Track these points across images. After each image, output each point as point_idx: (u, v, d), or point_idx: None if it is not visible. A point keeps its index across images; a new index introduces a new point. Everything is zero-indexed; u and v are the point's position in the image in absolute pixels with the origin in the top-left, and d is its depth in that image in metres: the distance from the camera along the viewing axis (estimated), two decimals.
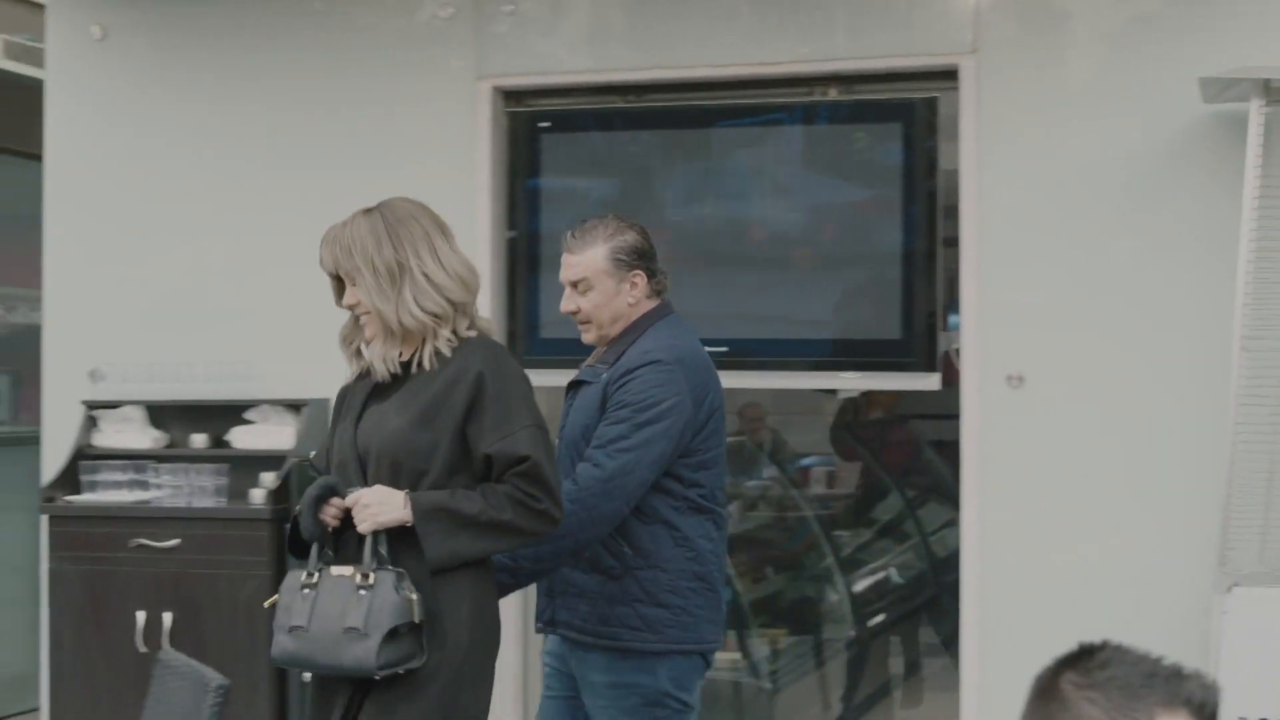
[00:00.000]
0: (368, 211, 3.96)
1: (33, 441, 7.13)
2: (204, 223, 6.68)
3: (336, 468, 3.94)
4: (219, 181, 6.70)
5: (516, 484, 3.79)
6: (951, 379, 6.05)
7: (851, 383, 6.56)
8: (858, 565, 7.45)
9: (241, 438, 6.41)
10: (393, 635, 3.71)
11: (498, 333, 4.17)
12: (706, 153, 6.27)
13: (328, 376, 6.39)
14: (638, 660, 4.35)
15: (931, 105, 5.94)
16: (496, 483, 3.81)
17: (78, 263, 6.87)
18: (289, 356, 6.49)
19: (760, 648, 6.85)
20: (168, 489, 6.27)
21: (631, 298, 4.48)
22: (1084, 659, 1.88)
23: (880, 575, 7.57)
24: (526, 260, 6.28)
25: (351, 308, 3.94)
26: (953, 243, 5.94)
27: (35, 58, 8.12)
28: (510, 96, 6.43)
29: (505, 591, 4.28)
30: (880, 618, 7.38)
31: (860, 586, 7.37)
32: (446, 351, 3.87)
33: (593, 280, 4.46)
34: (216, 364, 6.49)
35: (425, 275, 3.87)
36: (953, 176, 5.92)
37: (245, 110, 6.67)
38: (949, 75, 5.94)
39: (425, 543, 3.75)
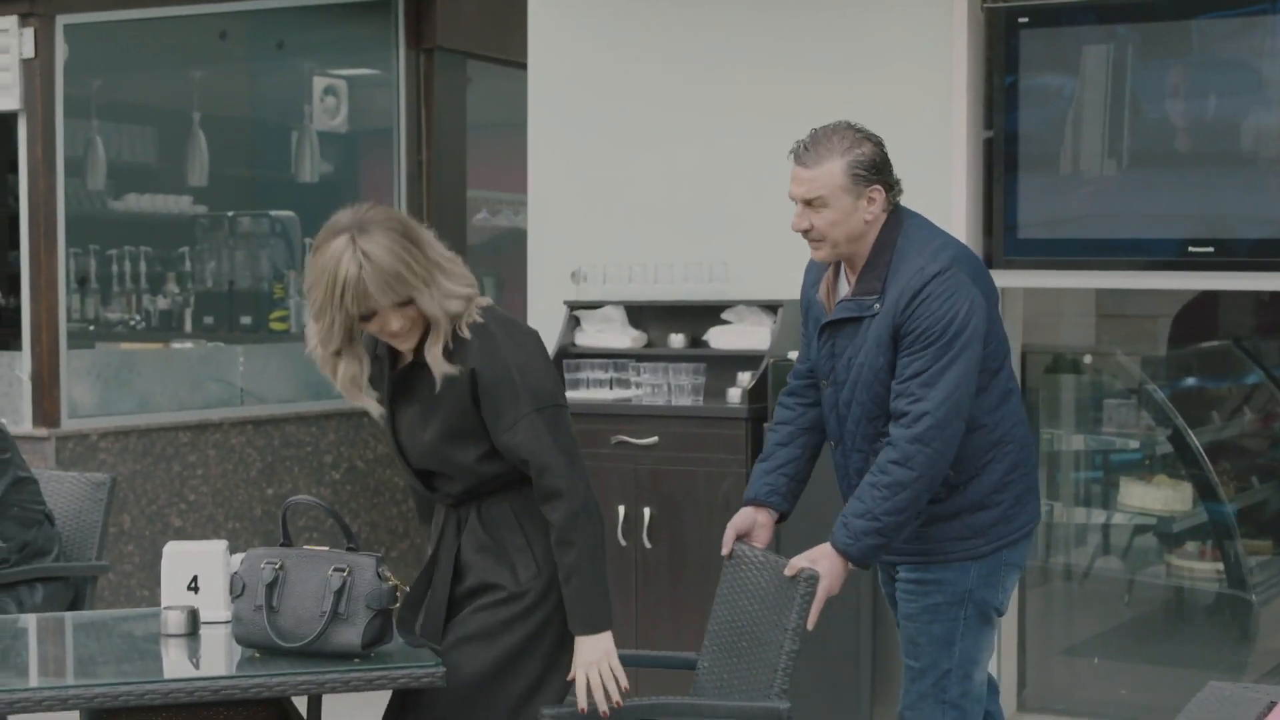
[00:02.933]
0: (354, 240, 3.70)
1: None
2: (680, 127, 6.79)
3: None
4: (694, 86, 6.78)
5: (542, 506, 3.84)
6: None
7: None
8: None
9: (719, 338, 6.52)
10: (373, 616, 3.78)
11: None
12: (1188, 47, 6.04)
13: (801, 279, 6.48)
14: (958, 563, 4.31)
15: None
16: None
17: (560, 168, 7.07)
18: (765, 258, 6.55)
19: (1245, 559, 6.64)
20: (647, 387, 6.43)
21: (869, 214, 4.27)
22: None
23: None
24: (1003, 160, 6.17)
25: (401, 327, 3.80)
26: None
27: None
28: None
29: (876, 556, 4.25)
30: None
31: None
32: (459, 334, 3.82)
33: (829, 197, 4.23)
34: (694, 265, 6.60)
35: (440, 263, 3.79)
36: None
37: (718, 15, 6.73)
38: None
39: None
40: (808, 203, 4.26)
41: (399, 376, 3.94)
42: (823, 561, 4.14)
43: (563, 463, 3.80)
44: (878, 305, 4.24)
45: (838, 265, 4.40)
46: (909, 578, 4.35)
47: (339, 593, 3.76)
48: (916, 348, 4.17)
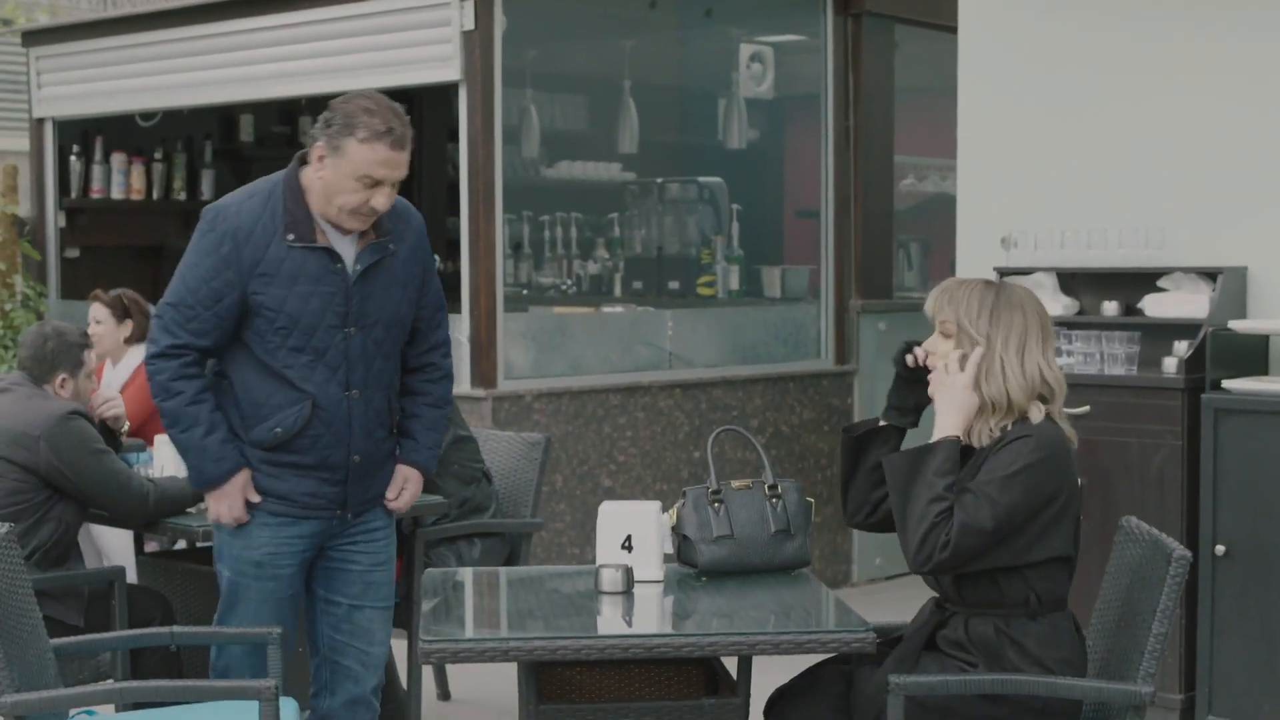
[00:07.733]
0: (989, 284, 4.12)
1: None
2: (1115, 88, 6.60)
3: None
4: (1128, 45, 6.58)
5: None
6: None
7: None
8: None
9: (1154, 305, 6.32)
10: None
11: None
12: None
13: (1243, 245, 6.26)
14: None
15: None
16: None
17: (990, 132, 6.96)
18: (1204, 223, 6.33)
19: None
20: (1079, 356, 6.28)
21: None
22: None
23: None
24: None
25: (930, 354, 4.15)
26: None
27: None
28: None
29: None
30: None
31: None
32: (996, 433, 4.04)
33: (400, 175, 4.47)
34: (1129, 231, 6.41)
35: (1001, 361, 4.01)
36: None
37: None
38: None
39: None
40: (395, 185, 4.40)
41: None
42: (419, 485, 4.71)
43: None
44: (393, 245, 4.48)
45: (298, 218, 4.38)
46: (383, 524, 4.65)
47: (778, 514, 4.33)
48: (429, 279, 4.62)
